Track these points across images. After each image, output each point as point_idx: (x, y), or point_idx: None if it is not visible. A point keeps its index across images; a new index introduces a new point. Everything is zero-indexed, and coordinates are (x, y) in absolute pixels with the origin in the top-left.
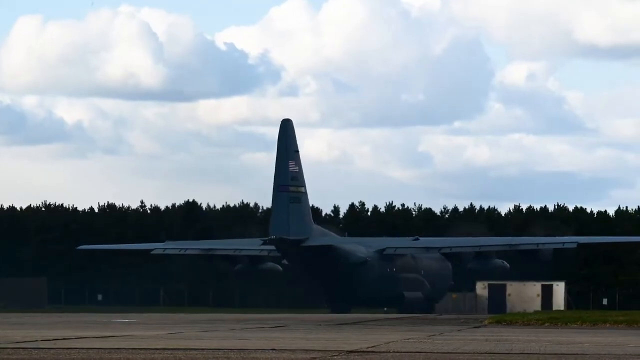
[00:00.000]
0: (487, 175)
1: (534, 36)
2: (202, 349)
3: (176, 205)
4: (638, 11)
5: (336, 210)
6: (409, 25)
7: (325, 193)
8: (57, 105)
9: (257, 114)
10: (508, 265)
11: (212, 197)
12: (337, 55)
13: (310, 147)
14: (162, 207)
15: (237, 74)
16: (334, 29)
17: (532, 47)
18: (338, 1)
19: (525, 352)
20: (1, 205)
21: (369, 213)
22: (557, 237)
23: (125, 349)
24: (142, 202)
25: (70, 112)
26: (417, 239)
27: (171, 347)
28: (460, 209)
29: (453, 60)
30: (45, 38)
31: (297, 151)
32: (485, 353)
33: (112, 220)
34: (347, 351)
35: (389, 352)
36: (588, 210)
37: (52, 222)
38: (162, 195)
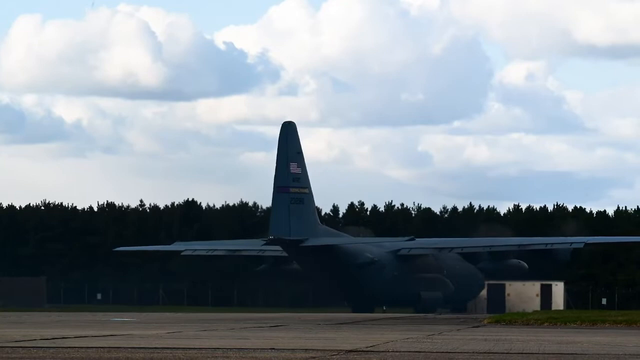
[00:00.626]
0: (487, 174)
1: (533, 36)
2: (201, 348)
3: (175, 205)
4: (637, 11)
5: (335, 209)
6: (408, 24)
7: (325, 192)
8: (56, 104)
9: (256, 113)
10: (526, 265)
11: (212, 196)
12: (337, 54)
13: (310, 147)
14: (162, 206)
15: (236, 74)
16: (333, 28)
17: (531, 46)
18: (337, 1)
19: (524, 351)
20: (0, 204)
21: (368, 212)
22: (565, 237)
23: (125, 348)
24: (141, 201)
25: (70, 111)
26: (413, 239)
27: (170, 346)
28: (460, 208)
29: (452, 60)
30: (44, 37)
31: (300, 153)
32: (484, 353)
33: (111, 219)
34: (346, 350)
35: (388, 351)
36: (587, 210)
37: (51, 221)
38: (161, 194)
